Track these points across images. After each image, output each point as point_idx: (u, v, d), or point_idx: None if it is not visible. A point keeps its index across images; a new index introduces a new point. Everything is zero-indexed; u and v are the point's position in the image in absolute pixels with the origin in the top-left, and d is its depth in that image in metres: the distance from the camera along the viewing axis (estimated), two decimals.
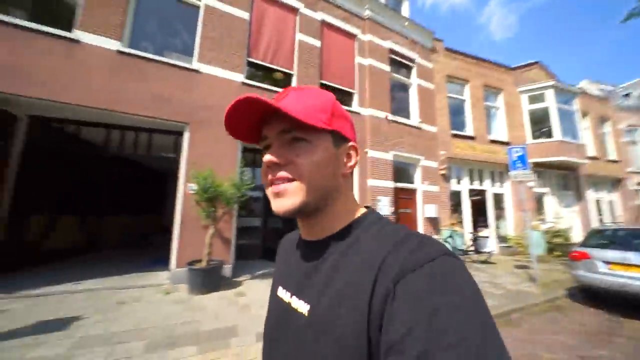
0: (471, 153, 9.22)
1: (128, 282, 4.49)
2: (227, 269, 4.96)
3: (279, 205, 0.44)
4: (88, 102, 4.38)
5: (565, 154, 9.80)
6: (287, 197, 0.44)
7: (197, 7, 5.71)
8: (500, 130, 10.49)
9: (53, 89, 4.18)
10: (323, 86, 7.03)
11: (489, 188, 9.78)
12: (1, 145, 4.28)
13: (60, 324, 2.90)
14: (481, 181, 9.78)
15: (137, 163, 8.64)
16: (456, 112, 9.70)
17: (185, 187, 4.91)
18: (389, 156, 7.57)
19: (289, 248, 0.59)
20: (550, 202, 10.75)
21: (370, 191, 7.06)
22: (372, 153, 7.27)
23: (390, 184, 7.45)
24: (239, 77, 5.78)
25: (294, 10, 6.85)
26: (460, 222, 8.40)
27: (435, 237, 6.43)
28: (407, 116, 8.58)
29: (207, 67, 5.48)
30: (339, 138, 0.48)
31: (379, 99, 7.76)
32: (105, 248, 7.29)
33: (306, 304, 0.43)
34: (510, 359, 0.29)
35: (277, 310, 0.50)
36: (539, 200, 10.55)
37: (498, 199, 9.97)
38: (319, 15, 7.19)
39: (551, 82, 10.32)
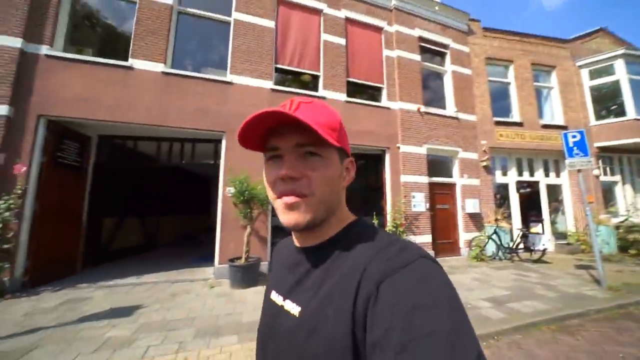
0: (518, 141, 8.34)
1: (180, 276, 5.07)
2: (264, 266, 5.28)
3: (290, 219, 0.45)
4: (141, 120, 5.03)
5: None
6: (299, 212, 0.45)
7: (228, 23, 6.12)
8: (554, 113, 9.28)
9: (115, 112, 4.89)
10: (350, 84, 7.01)
11: (542, 179, 8.74)
12: (79, 162, 5.15)
13: (127, 311, 3.43)
14: (532, 172, 8.79)
15: (184, 170, 9.60)
16: (499, 97, 8.85)
17: (224, 191, 5.34)
18: (422, 150, 7.25)
19: (283, 254, 0.61)
20: (624, 192, 9.19)
21: (404, 187, 6.86)
22: (404, 148, 7.04)
23: (425, 179, 7.13)
24: (268, 84, 6.07)
25: (317, 11, 6.92)
26: (507, 218, 7.68)
27: (477, 234, 6.01)
28: (442, 106, 8.10)
29: (239, 78, 5.86)
30: (343, 154, 0.51)
31: (410, 91, 7.46)
32: (161, 246, 8.26)
33: (297, 306, 0.46)
34: (480, 349, 0.30)
35: (270, 313, 0.52)
36: (608, 190, 9.11)
37: (554, 190, 8.86)
38: (343, 13, 7.16)
39: (621, 50, 8.78)
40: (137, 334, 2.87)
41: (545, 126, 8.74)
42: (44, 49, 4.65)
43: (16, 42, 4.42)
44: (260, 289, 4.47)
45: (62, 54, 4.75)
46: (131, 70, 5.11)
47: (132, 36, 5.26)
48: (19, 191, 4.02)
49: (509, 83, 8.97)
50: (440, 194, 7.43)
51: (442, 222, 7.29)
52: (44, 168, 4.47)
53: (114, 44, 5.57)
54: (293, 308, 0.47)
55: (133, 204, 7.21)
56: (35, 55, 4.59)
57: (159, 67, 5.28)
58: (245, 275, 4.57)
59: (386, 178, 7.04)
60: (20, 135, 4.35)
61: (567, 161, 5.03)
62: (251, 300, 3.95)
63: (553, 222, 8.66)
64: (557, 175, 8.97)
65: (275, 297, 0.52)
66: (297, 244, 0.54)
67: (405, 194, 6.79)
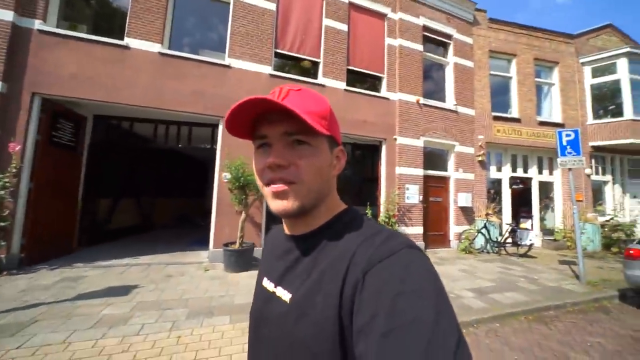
0: (515, 137, 8.38)
1: (175, 258, 5.19)
2: (258, 251, 5.39)
3: (278, 206, 0.46)
4: (137, 102, 4.96)
5: (637, 135, 8.37)
6: (287, 199, 0.45)
7: (228, 3, 5.93)
8: (553, 110, 9.29)
9: (110, 92, 4.82)
10: (350, 72, 6.92)
11: (535, 176, 8.86)
12: (75, 142, 5.11)
13: (123, 290, 3.54)
14: (526, 168, 8.90)
15: (181, 153, 9.57)
16: (499, 92, 8.81)
17: (220, 176, 5.37)
18: (419, 142, 7.28)
19: (274, 242, 0.62)
20: (613, 192, 9.38)
21: (399, 179, 6.93)
22: (401, 140, 7.06)
23: (420, 172, 7.20)
24: (267, 70, 5.97)
25: None
26: (498, 212, 7.84)
27: (467, 227, 6.15)
28: (442, 99, 8.05)
29: (238, 62, 5.75)
30: (333, 142, 0.50)
31: (410, 81, 7.38)
32: (157, 228, 8.36)
33: (288, 292, 0.47)
34: (461, 336, 0.31)
35: (263, 298, 0.53)
36: (598, 189, 9.28)
37: (546, 187, 9.02)
38: None
39: (626, 49, 8.70)
40: (134, 312, 2.98)
41: (543, 123, 8.76)
42: (37, 24, 4.51)
43: (7, 15, 4.28)
44: (253, 273, 4.60)
45: (55, 29, 4.62)
46: (127, 49, 4.99)
47: (128, 14, 5.09)
48: (14, 170, 4.01)
49: (510, 78, 8.90)
50: (434, 187, 7.53)
51: (434, 214, 7.43)
52: (38, 147, 4.45)
53: (110, 22, 5.41)
54: (284, 294, 0.48)
55: (129, 185, 7.24)
56: (28, 30, 4.46)
57: (156, 48, 5.15)
58: (239, 259, 4.69)
59: (382, 169, 7.10)
60: (15, 113, 4.30)
61: (559, 160, 5.11)
62: (244, 284, 4.08)
63: (542, 219, 8.87)
64: (550, 172, 9.09)
65: (267, 283, 0.54)
66: (287, 231, 0.55)
67: (400, 186, 6.87)
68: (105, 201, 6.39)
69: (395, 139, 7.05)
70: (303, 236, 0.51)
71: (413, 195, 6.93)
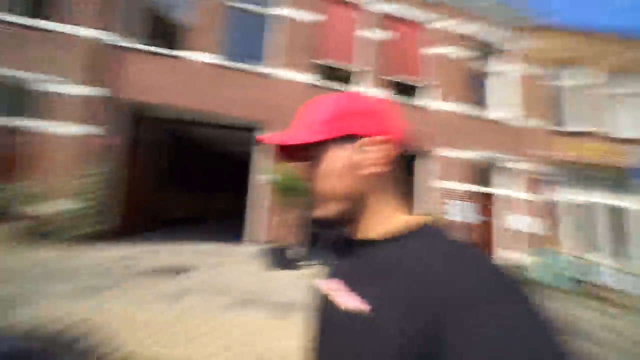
0: (580, 154, 7.41)
1: (222, 250, 5.67)
2: (297, 252, 5.52)
3: (314, 214, 0.52)
4: (195, 106, 5.67)
5: None
6: (318, 209, 0.50)
7: (273, 18, 6.48)
8: (629, 125, 8.01)
9: (177, 97, 5.59)
10: (388, 82, 6.85)
11: (606, 199, 7.67)
12: (151, 141, 6.18)
13: (179, 270, 4.10)
14: (591, 190, 7.74)
15: (233, 154, 10.71)
16: (564, 104, 7.92)
17: (263, 177, 5.71)
18: (464, 155, 6.86)
19: (340, 244, 0.58)
20: None
21: (440, 194, 6.58)
22: (443, 152, 6.74)
23: (465, 187, 6.75)
24: (307, 79, 6.29)
25: (357, 6, 6.88)
26: (561, 241, 6.87)
27: (524, 255, 5.23)
28: (494, 109, 7.53)
29: (280, 72, 6.19)
30: (349, 139, 0.46)
31: (454, 91, 7.09)
32: (210, 220, 9.43)
33: (351, 299, 0.43)
34: None
35: (322, 301, 0.52)
36: None
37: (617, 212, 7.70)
38: (385, 7, 7.00)
39: None
40: (184, 291, 3.36)
41: (617, 139, 7.61)
42: (124, 41, 5.47)
43: (102, 34, 5.30)
44: (291, 273, 4.73)
45: (138, 45, 5.56)
46: (187, 60, 5.76)
47: (190, 30, 5.90)
48: (109, 162, 4.99)
49: (578, 88, 7.95)
50: (480, 204, 6.97)
51: (476, 234, 6.84)
52: (125, 144, 5.50)
53: (175, 37, 6.31)
54: (346, 301, 0.44)
55: (187, 180, 8.35)
56: (118, 46, 5.43)
57: (211, 58, 5.84)
58: (279, 258, 4.90)
59: (421, 182, 6.83)
60: (110, 114, 5.27)
61: (638, 181, 4.40)
62: (280, 282, 4.20)
63: (619, 253, 7.41)
64: (623, 197, 7.74)
65: (328, 285, 0.52)
66: (352, 236, 0.53)
67: (442, 201, 6.51)
68: (168, 193, 7.40)
69: (438, 151, 6.75)
70: (367, 242, 0.48)
71: (455, 212, 6.51)
